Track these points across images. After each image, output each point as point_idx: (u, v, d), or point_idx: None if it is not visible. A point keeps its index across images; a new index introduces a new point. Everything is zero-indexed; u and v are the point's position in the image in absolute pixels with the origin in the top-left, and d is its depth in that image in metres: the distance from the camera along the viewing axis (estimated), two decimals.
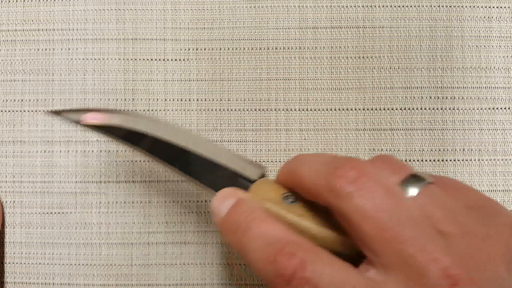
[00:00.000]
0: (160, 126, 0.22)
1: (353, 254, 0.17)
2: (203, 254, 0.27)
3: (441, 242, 0.15)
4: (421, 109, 0.27)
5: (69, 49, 0.28)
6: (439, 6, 0.28)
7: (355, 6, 0.28)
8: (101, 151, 0.28)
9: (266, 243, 0.17)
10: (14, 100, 0.28)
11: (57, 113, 0.22)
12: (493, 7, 0.28)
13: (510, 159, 0.27)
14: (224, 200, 0.20)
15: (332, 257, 0.16)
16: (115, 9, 0.28)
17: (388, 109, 0.27)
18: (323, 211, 0.18)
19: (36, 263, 0.27)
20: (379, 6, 0.28)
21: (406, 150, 0.27)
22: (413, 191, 0.17)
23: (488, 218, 0.16)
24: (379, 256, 0.15)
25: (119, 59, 0.28)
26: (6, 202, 0.28)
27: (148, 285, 0.27)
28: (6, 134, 0.28)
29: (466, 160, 0.27)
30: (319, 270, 0.16)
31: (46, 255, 0.27)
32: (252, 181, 0.21)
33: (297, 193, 0.19)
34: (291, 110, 0.28)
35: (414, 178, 0.17)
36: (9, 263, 0.27)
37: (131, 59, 0.28)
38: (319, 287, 0.15)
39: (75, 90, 0.28)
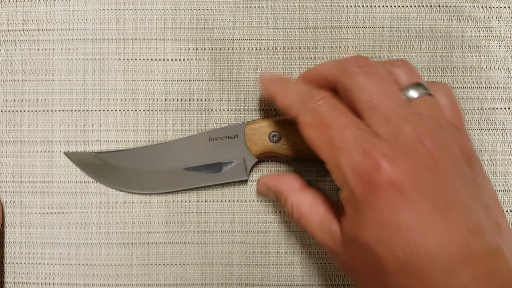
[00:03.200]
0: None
1: None
2: (203, 254, 0.27)
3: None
4: None
5: (69, 49, 0.28)
6: (439, 6, 0.28)
7: (355, 6, 0.28)
8: (101, 151, 0.28)
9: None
10: (14, 100, 0.28)
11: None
12: (493, 7, 0.28)
13: (510, 159, 0.27)
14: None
15: None
16: (115, 9, 0.28)
17: None
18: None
19: (36, 263, 0.27)
20: (379, 6, 0.28)
21: None
22: (413, 93, 0.21)
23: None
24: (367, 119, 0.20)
25: (119, 59, 0.28)
26: (6, 202, 0.28)
27: (148, 285, 0.27)
28: (6, 134, 0.28)
29: None
30: None
31: (46, 255, 0.27)
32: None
33: (279, 132, 0.25)
34: None
35: (419, 86, 0.21)
36: (9, 263, 0.27)
37: (131, 59, 0.28)
38: None
39: (75, 90, 0.28)
